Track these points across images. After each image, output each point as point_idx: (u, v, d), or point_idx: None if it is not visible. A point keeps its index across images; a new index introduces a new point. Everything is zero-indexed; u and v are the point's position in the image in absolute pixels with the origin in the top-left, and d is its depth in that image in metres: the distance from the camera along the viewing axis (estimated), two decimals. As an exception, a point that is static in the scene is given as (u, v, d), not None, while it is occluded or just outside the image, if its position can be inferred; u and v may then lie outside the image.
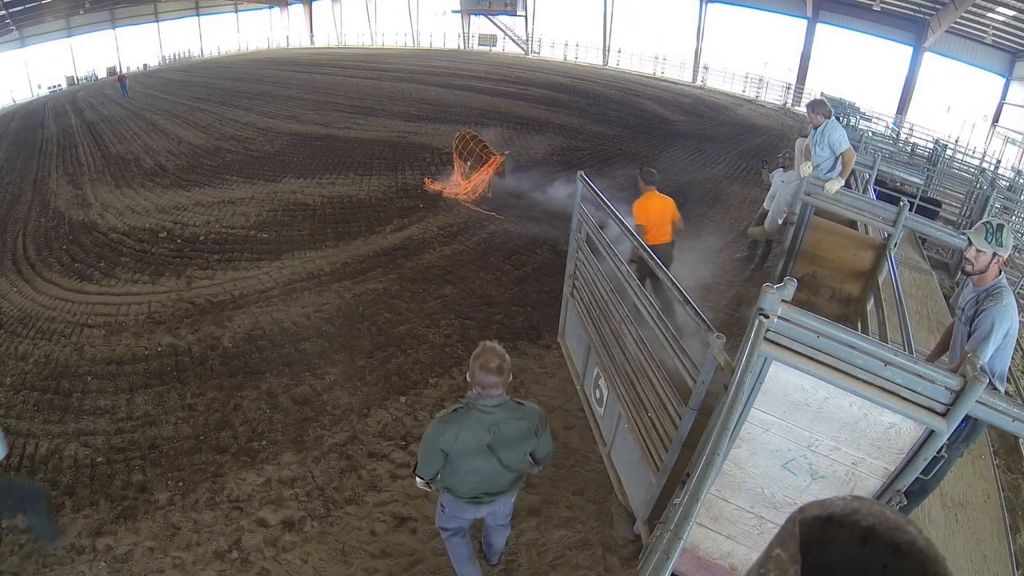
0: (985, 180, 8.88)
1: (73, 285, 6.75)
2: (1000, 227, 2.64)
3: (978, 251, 2.66)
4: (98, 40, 35.92)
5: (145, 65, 36.42)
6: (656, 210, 5.02)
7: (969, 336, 2.72)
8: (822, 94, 16.40)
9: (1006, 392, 3.13)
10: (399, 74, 23.46)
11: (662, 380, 3.01)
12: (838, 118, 5.61)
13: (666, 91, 23.92)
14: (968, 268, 2.73)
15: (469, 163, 9.17)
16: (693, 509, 1.55)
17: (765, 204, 6.79)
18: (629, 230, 3.42)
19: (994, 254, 2.64)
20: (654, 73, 29.96)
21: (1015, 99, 21.71)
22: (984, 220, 2.73)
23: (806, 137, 5.52)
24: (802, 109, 20.27)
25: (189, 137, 13.88)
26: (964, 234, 2.74)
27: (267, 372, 4.94)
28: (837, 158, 5.23)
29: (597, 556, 3.32)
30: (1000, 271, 2.71)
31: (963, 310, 2.84)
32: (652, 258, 3.03)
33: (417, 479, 2.59)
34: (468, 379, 2.39)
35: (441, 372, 4.97)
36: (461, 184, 9.28)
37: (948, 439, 2.06)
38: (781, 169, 6.55)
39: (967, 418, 1.99)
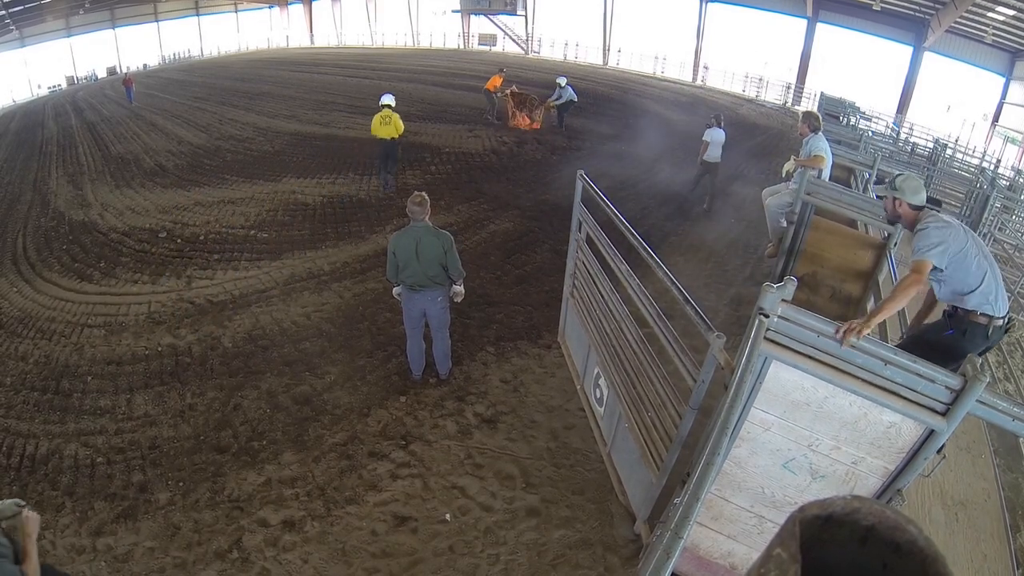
0: (985, 179, 8.88)
1: (73, 285, 6.75)
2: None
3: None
4: (98, 40, 35.87)
5: (145, 65, 36.36)
6: (494, 81, 14.24)
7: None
8: (823, 95, 16.42)
9: (1006, 392, 3.10)
10: (399, 74, 23.42)
11: (662, 380, 3.01)
12: (838, 118, 5.66)
13: (666, 90, 23.89)
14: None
15: (526, 106, 13.78)
16: (693, 508, 1.55)
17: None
18: (623, 220, 3.43)
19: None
20: (654, 72, 29.91)
21: (1015, 98, 21.70)
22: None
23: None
24: (802, 108, 20.27)
25: (189, 137, 13.87)
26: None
27: (267, 372, 4.94)
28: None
29: (597, 556, 3.32)
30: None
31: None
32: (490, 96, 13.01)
33: (395, 289, 4.35)
34: (407, 212, 4.06)
35: (441, 372, 4.95)
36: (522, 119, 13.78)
37: None
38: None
39: None
